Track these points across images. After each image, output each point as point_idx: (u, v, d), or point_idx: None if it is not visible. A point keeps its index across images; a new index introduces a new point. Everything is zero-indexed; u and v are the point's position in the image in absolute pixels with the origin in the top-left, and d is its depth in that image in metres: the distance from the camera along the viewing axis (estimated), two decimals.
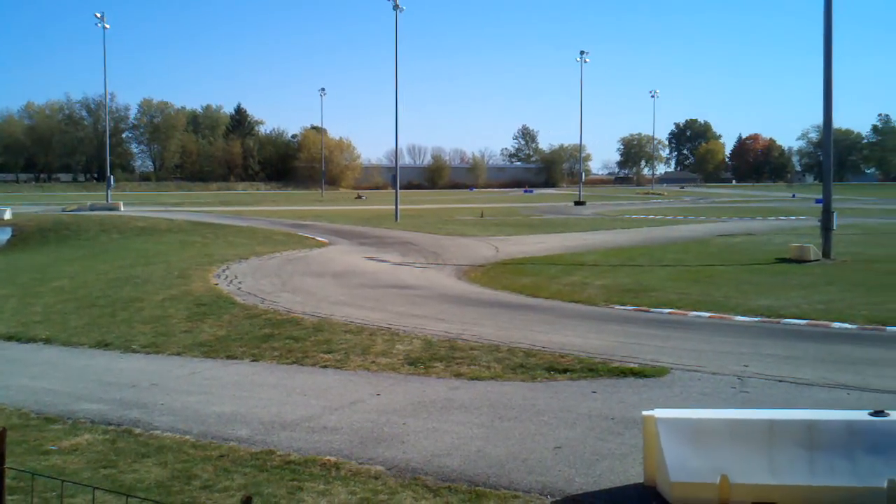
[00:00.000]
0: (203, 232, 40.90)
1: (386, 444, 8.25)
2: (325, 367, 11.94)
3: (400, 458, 7.80)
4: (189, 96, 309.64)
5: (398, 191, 54.25)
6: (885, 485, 6.30)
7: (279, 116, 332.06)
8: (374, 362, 12.04)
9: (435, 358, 12.18)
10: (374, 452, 7.99)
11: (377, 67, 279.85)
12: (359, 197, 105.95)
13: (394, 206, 52.65)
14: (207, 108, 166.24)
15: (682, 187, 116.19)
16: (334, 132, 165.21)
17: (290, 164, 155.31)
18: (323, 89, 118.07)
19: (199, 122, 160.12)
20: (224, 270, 24.74)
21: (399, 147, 59.42)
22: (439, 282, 22.94)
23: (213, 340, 14.01)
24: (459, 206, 77.85)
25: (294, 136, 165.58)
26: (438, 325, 15.14)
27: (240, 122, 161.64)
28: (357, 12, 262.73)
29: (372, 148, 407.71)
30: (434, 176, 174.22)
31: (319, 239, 37.46)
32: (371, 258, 29.50)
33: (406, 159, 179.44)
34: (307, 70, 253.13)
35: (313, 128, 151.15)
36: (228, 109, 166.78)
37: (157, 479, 7.34)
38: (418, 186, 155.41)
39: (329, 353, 12.72)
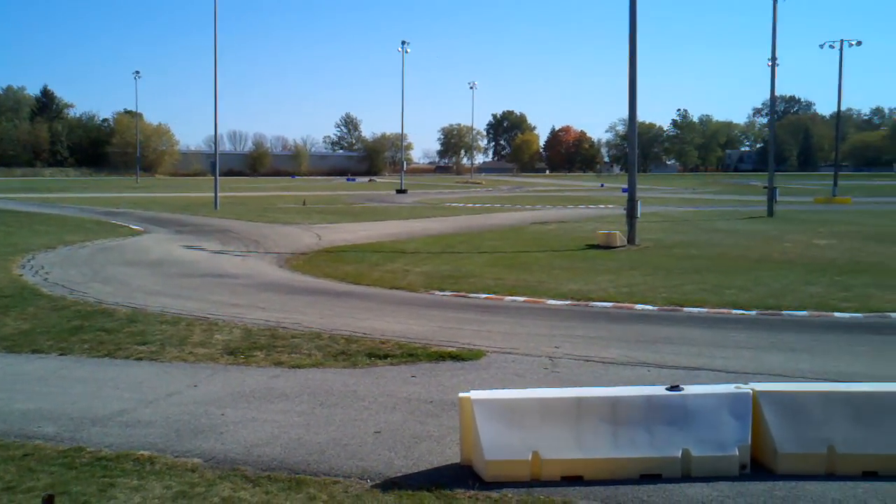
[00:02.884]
0: (6, 220, 38.51)
1: (203, 435, 8.10)
2: (140, 359, 11.53)
3: (218, 450, 7.68)
4: None
5: (218, 178, 52.78)
6: (679, 454, 6.80)
7: (91, 100, 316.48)
8: (191, 353, 11.74)
9: (255, 347, 12.03)
10: (192, 445, 7.83)
11: (197, 50, 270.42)
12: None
13: (213, 194, 51.33)
14: (9, 89, 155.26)
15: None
16: (151, 117, 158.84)
17: (103, 150, 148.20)
18: (137, 72, 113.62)
19: (0, 104, 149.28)
20: (29, 261, 23.34)
21: (219, 133, 57.83)
22: (260, 270, 22.59)
23: (17, 334, 13.19)
24: (281, 193, 76.79)
25: (106, 121, 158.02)
26: (259, 313, 14.95)
27: (47, 104, 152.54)
28: None
29: (191, 134, 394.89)
30: (255, 163, 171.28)
31: (134, 227, 36.17)
32: (189, 246, 28.62)
33: (226, 146, 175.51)
34: (120, 52, 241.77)
35: (127, 112, 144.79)
36: (34, 91, 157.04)
37: None
38: (239, 173, 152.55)
39: (144, 344, 12.30)
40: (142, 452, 7.57)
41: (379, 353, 11.56)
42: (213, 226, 37.71)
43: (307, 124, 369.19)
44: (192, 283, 19.42)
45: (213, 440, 7.95)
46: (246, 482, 6.89)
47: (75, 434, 8.20)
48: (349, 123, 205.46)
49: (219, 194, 51.32)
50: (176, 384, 10.11)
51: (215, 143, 59.77)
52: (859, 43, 64.89)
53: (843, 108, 74.70)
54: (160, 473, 7.06)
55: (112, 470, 7.14)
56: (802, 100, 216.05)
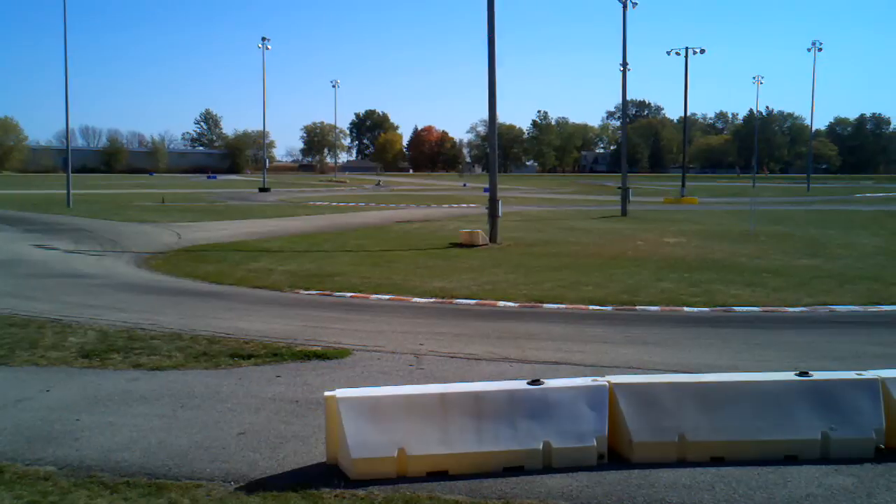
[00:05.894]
0: None
1: (57, 442, 7.76)
2: None
3: (73, 457, 7.37)
4: None
5: (70, 174, 50.53)
6: (540, 446, 6.97)
7: None
8: (43, 356, 11.20)
9: (112, 349, 11.59)
10: (44, 452, 7.48)
11: (44, 41, 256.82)
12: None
13: (65, 191, 49.15)
14: None
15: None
16: None
17: None
18: None
19: None
20: None
21: (71, 128, 55.23)
22: (117, 270, 21.81)
23: None
24: (139, 191, 74.36)
25: None
26: (116, 314, 14.42)
27: None
28: None
29: (40, 129, 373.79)
30: (111, 160, 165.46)
31: None
32: (40, 246, 27.38)
33: (79, 142, 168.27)
34: None
35: None
36: None
37: None
38: (93, 170, 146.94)
39: None
40: None
41: (242, 354, 11.36)
42: (66, 224, 36.16)
43: (165, 120, 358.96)
44: (43, 284, 18.56)
45: (68, 447, 7.63)
46: (103, 489, 6.66)
47: None
48: (209, 120, 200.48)
49: (71, 191, 49.24)
50: (27, 389, 9.63)
51: (67, 138, 57.24)
52: (703, 51, 68.54)
53: (689, 112, 78.57)
54: (10, 483, 6.73)
55: None
56: (653, 104, 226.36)
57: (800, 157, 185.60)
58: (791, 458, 7.18)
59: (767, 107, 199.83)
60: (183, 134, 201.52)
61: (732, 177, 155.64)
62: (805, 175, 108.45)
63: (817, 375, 7.59)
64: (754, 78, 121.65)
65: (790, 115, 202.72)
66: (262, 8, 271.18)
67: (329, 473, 6.94)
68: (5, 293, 17.01)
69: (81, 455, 7.41)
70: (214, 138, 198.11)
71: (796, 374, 7.59)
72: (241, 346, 11.78)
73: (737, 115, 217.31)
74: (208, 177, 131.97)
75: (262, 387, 9.77)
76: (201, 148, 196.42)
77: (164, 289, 18.39)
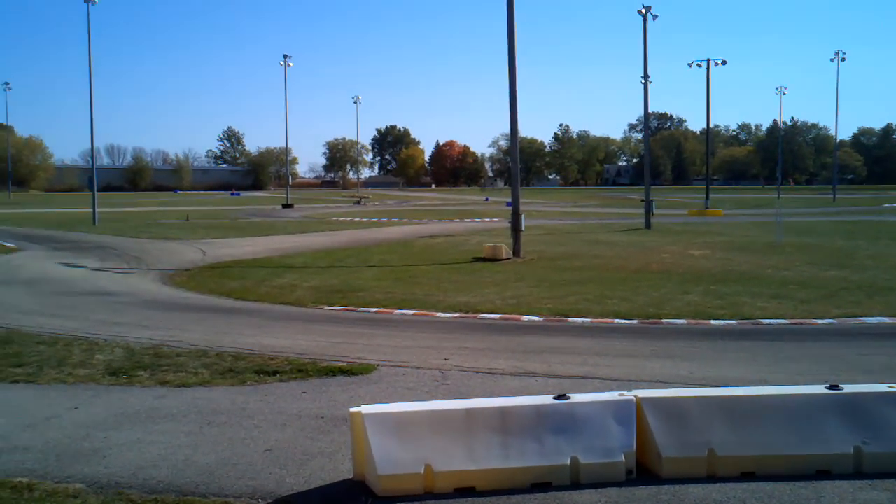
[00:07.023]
0: None
1: (86, 459, 7.81)
2: (16, 381, 11.01)
3: (102, 474, 7.41)
4: None
5: (96, 192, 51.08)
6: (568, 462, 6.92)
7: None
8: (71, 374, 11.29)
9: (138, 366, 11.67)
10: (73, 469, 7.53)
11: (71, 61, 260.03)
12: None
13: (91, 209, 49.64)
14: None
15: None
16: (23, 130, 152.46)
17: None
18: (7, 84, 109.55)
19: None
20: None
21: (96, 147, 55.79)
22: (142, 287, 21.95)
23: None
24: (163, 208, 74.95)
25: None
26: (142, 332, 14.52)
27: None
28: (43, 2, 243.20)
29: (66, 147, 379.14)
30: (135, 178, 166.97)
31: (6, 244, 34.65)
32: (67, 264, 27.59)
33: (104, 160, 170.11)
34: None
35: None
36: None
37: None
38: (118, 189, 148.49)
39: (19, 366, 11.74)
40: (20, 479, 7.21)
41: (268, 370, 11.39)
42: (92, 242, 36.49)
43: (189, 138, 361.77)
44: (70, 302, 18.71)
45: (97, 464, 7.67)
46: None
47: None
48: (232, 137, 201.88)
49: (97, 210, 49.75)
50: (55, 407, 9.71)
51: (92, 158, 57.86)
52: (724, 62, 68.30)
53: (712, 124, 78.33)
54: (40, 500, 6.77)
55: None
56: (675, 116, 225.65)
57: (825, 167, 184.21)
58: (823, 472, 7.08)
59: (792, 117, 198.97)
60: (206, 151, 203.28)
61: (757, 188, 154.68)
62: (831, 186, 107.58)
63: (848, 388, 7.49)
64: (777, 89, 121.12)
65: (814, 125, 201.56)
66: (283, 24, 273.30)
67: (356, 490, 6.93)
68: (33, 311, 17.17)
69: (110, 472, 7.44)
70: (238, 155, 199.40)
71: (827, 388, 7.49)
72: (267, 363, 11.81)
73: (760, 126, 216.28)
74: (232, 193, 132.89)
75: (288, 403, 9.78)
76: (225, 165, 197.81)
77: (190, 306, 18.49)
